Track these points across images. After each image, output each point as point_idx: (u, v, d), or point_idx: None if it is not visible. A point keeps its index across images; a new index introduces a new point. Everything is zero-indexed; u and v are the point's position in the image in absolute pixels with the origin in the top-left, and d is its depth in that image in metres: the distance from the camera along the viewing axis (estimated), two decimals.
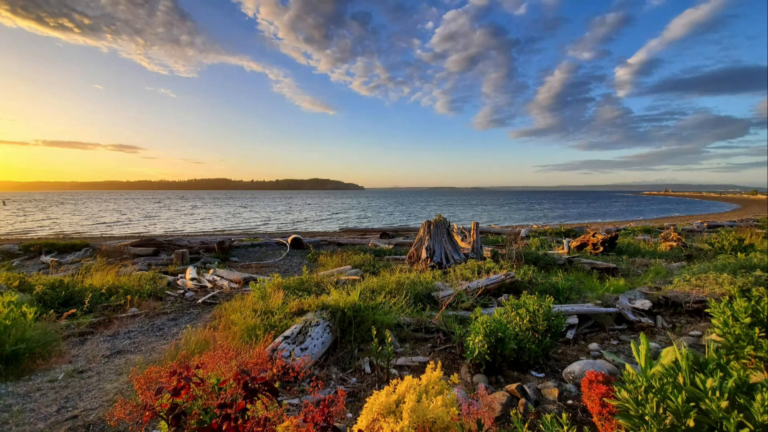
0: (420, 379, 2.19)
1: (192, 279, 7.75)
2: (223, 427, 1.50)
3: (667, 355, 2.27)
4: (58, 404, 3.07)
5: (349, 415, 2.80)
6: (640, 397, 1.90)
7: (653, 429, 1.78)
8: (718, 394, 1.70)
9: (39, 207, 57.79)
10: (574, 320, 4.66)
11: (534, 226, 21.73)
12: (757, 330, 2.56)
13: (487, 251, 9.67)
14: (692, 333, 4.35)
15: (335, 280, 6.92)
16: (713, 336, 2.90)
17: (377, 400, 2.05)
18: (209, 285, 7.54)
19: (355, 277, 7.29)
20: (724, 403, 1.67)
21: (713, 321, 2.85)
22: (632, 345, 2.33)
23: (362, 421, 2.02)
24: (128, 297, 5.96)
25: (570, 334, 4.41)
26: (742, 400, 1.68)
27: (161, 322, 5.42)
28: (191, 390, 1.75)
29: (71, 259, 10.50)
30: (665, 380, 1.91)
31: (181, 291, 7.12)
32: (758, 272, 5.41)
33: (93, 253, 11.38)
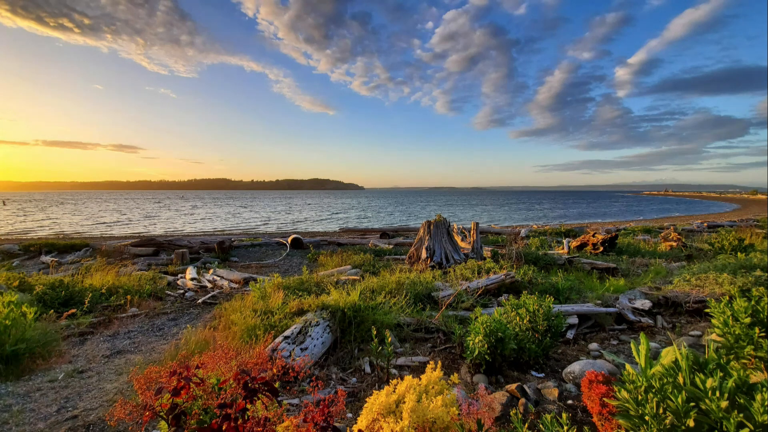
0: (420, 379, 2.19)
1: (192, 279, 7.75)
2: (223, 427, 1.50)
3: (667, 355, 2.27)
4: (58, 404, 3.07)
5: (349, 415, 2.80)
6: (640, 397, 1.90)
7: (653, 429, 1.78)
8: (718, 394, 1.70)
9: (39, 207, 57.79)
10: (574, 320, 4.66)
11: (534, 226, 21.73)
12: (757, 330, 2.56)
13: (487, 251, 9.67)
14: (692, 333, 4.35)
15: (335, 280, 6.92)
16: (713, 336, 2.90)
17: (377, 400, 2.05)
18: (209, 285, 7.54)
19: (355, 277, 7.29)
20: (724, 403, 1.67)
21: (713, 321, 2.85)
22: (632, 345, 2.33)
23: (362, 421, 2.02)
24: (128, 297, 5.96)
25: (570, 334, 4.41)
26: (742, 400, 1.68)
27: (161, 322, 5.42)
28: (191, 390, 1.75)
29: (71, 259, 10.50)
30: (665, 380, 1.91)
31: (181, 291, 7.12)
32: (758, 272, 5.41)
33: (93, 253, 11.38)
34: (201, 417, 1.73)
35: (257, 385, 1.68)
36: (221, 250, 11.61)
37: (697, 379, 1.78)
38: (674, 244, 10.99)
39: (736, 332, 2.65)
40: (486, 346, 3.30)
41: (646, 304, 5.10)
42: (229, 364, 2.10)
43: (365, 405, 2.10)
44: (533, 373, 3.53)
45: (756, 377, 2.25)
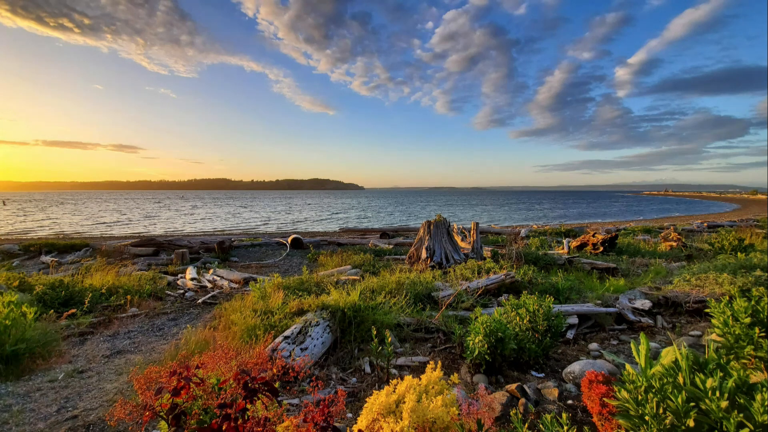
0: (420, 379, 2.19)
1: (192, 279, 7.75)
2: (223, 427, 1.50)
3: (667, 355, 2.27)
4: (58, 404, 3.07)
5: (349, 415, 2.80)
6: (640, 397, 1.90)
7: (653, 429, 1.78)
8: (718, 394, 1.70)
9: (39, 207, 57.79)
10: (574, 320, 4.66)
11: (534, 226, 21.73)
12: (757, 330, 2.56)
13: (487, 251, 9.67)
14: (692, 333, 4.35)
15: (335, 280, 6.92)
16: (713, 336, 2.90)
17: (377, 400, 2.05)
18: (209, 285, 7.54)
19: (355, 277, 7.29)
20: (724, 403, 1.67)
21: (713, 321, 2.85)
22: (632, 345, 2.33)
23: (362, 421, 2.02)
24: (128, 297, 5.96)
25: (570, 334, 4.41)
26: (742, 400, 1.68)
27: (161, 322, 5.42)
28: (191, 390, 1.75)
29: (71, 259, 10.50)
30: (665, 380, 1.91)
31: (181, 291, 7.12)
32: (758, 272, 5.41)
33: (93, 253, 11.38)
34: (201, 417, 1.73)
35: (257, 385, 1.68)
36: (221, 250, 11.61)
37: (697, 379, 1.78)
38: (674, 244, 10.99)
39: (736, 332, 2.65)
40: (486, 346, 3.30)
41: (646, 304, 5.10)
42: (229, 364, 2.10)
43: (365, 405, 2.10)
44: (533, 373, 3.53)
45: (756, 377, 2.25)
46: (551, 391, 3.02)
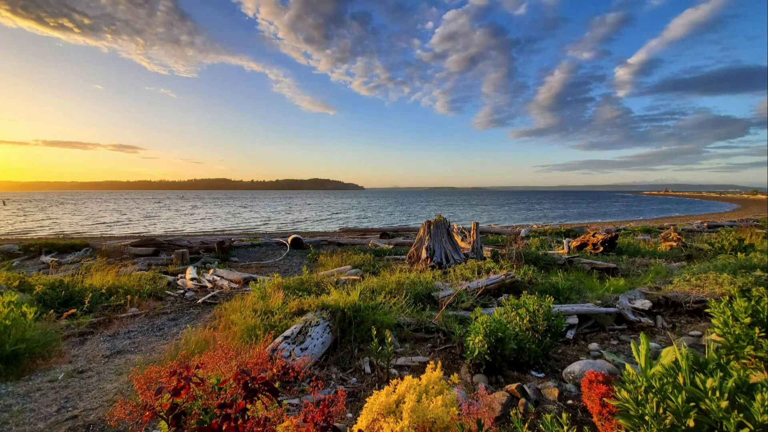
0: (420, 379, 2.19)
1: (192, 279, 7.75)
2: (223, 427, 1.50)
3: (667, 355, 2.27)
4: (58, 404, 3.07)
5: (349, 415, 2.80)
6: (640, 397, 1.90)
7: (653, 429, 1.78)
8: (718, 394, 1.70)
9: (39, 207, 57.79)
10: (574, 320, 4.66)
11: (534, 226, 21.73)
12: (757, 330, 2.56)
13: (487, 251, 9.67)
14: (692, 333, 4.35)
15: (335, 280, 6.92)
16: (713, 336, 2.90)
17: (377, 400, 2.05)
18: (209, 285, 7.54)
19: (355, 277, 7.29)
20: (724, 403, 1.67)
21: (713, 321, 2.85)
22: (632, 345, 2.33)
23: (362, 421, 2.02)
24: (128, 297, 5.96)
25: (570, 334, 4.41)
26: (742, 400, 1.68)
27: (161, 322, 5.42)
28: (191, 390, 1.75)
29: (71, 259, 10.50)
30: (665, 380, 1.91)
31: (181, 291, 7.12)
32: (758, 272, 5.41)
33: (93, 253, 11.38)
34: (201, 417, 1.73)
35: (257, 385, 1.68)
36: (221, 250, 11.61)
37: (697, 379, 1.78)
38: (674, 244, 10.99)
39: (736, 332, 2.65)
40: (486, 346, 3.30)
41: (646, 304, 5.10)
42: (229, 364, 2.10)
43: (365, 405, 2.10)
44: (533, 373, 3.53)
45: (756, 377, 2.25)
46: (551, 391, 3.02)
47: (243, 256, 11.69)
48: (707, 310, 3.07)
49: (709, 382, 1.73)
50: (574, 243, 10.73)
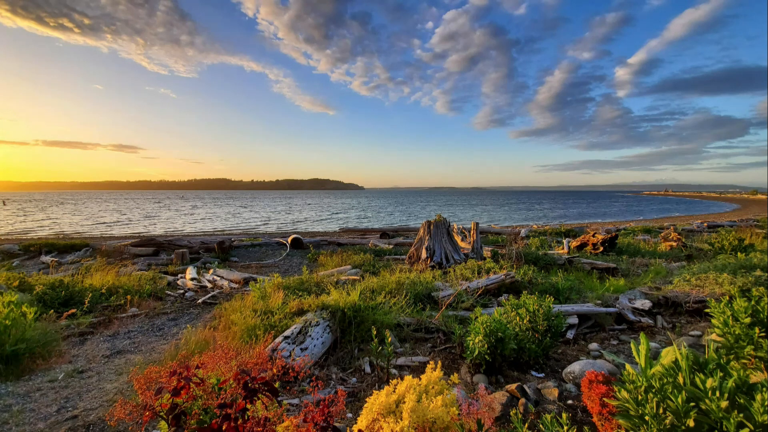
0: (420, 379, 2.19)
1: (192, 279, 7.75)
2: (223, 427, 1.50)
3: (667, 355, 2.27)
4: (58, 404, 3.07)
5: (349, 415, 2.80)
6: (640, 397, 1.90)
7: (653, 429, 1.78)
8: (718, 394, 1.70)
9: (39, 207, 57.79)
10: (574, 320, 4.66)
11: (534, 226, 21.73)
12: (757, 330, 2.56)
13: (487, 251, 9.67)
14: (692, 333, 4.35)
15: (335, 280, 6.92)
16: (713, 336, 2.90)
17: (377, 400, 2.05)
18: (209, 285, 7.54)
19: (355, 277, 7.29)
20: (724, 403, 1.67)
21: (713, 321, 2.85)
22: (632, 345, 2.33)
23: (362, 421, 2.02)
24: (128, 297, 5.96)
25: (570, 334, 4.41)
26: (742, 400, 1.68)
27: (161, 322, 5.42)
28: (191, 390, 1.75)
29: (71, 259, 10.50)
30: (665, 380, 1.91)
31: (181, 291, 7.12)
32: (758, 272, 5.41)
33: (93, 253, 11.38)
34: (201, 417, 1.73)
35: (257, 385, 1.68)
36: (221, 250, 11.61)
37: (697, 379, 1.78)
38: (674, 244, 10.99)
39: (736, 332, 2.65)
40: (486, 346, 3.30)
41: (646, 304, 5.10)
42: (229, 364, 2.10)
43: (365, 405, 2.10)
44: (533, 373, 3.53)
45: (756, 377, 2.25)
46: (551, 391, 3.02)
47: (243, 256, 11.69)
48: (707, 310, 3.07)
49: (709, 382, 1.73)
50: (574, 243, 10.73)
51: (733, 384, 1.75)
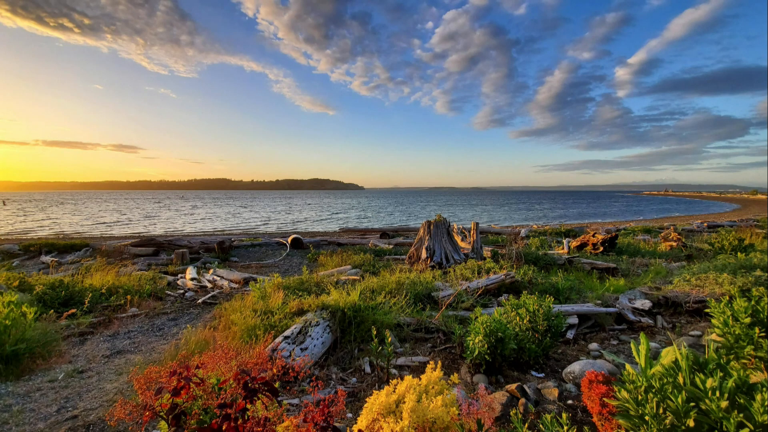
0: (420, 379, 2.19)
1: (192, 279, 7.75)
2: (223, 427, 1.50)
3: (667, 355, 2.27)
4: (58, 404, 3.07)
5: (349, 415, 2.80)
6: (640, 397, 1.90)
7: (653, 429, 1.78)
8: (718, 394, 1.70)
9: (39, 207, 57.79)
10: (574, 320, 4.66)
11: (534, 226, 21.73)
12: (757, 330, 2.56)
13: (487, 251, 9.66)
14: (692, 333, 4.35)
15: (335, 280, 6.92)
16: (713, 336, 2.90)
17: (377, 400, 2.05)
18: (209, 285, 7.54)
19: (355, 277, 7.29)
20: (724, 403, 1.67)
21: (713, 321, 2.85)
22: (632, 345, 2.33)
23: (362, 421, 2.02)
24: (128, 297, 5.96)
25: (570, 334, 4.41)
26: (742, 400, 1.68)
27: (161, 322, 5.42)
28: (191, 390, 1.75)
29: (71, 259, 10.50)
30: (665, 380, 1.91)
31: (181, 291, 7.12)
32: (758, 272, 5.41)
33: (93, 253, 11.38)
34: (201, 417, 1.73)
35: (257, 385, 1.68)
36: (221, 250, 11.61)
37: (697, 379, 1.78)
38: (674, 244, 10.99)
39: (736, 332, 2.65)
40: (486, 346, 3.30)
41: (646, 304, 5.10)
42: (229, 364, 2.10)
43: (365, 405, 2.10)
44: (533, 373, 3.53)
45: (756, 377, 2.25)
46: (551, 391, 3.02)
47: (243, 256, 11.69)
48: (707, 310, 3.07)
49: (709, 382, 1.73)
50: (574, 243, 10.73)
51: (733, 384, 1.75)
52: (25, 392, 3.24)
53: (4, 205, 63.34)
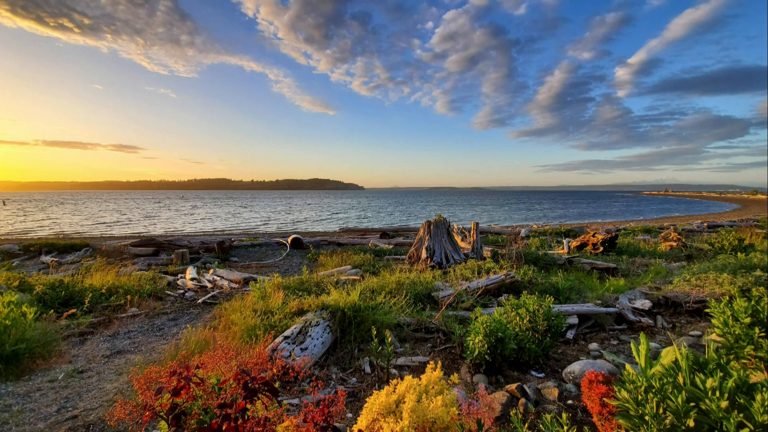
0: (420, 379, 2.19)
1: (192, 279, 7.75)
2: (223, 427, 1.50)
3: (667, 355, 2.27)
4: (58, 404, 3.07)
5: (349, 415, 2.80)
6: (640, 397, 1.90)
7: (653, 429, 1.78)
8: (718, 394, 1.70)
9: (39, 207, 57.79)
10: (574, 320, 4.66)
11: (534, 226, 21.73)
12: (757, 330, 2.56)
13: (487, 251, 9.66)
14: (692, 333, 4.35)
15: (335, 280, 6.92)
16: (713, 336, 2.90)
17: (377, 400, 2.05)
18: (209, 285, 7.54)
19: (355, 277, 7.29)
20: (724, 403, 1.67)
21: (713, 321, 2.85)
22: (632, 345, 2.33)
23: (362, 421, 2.02)
24: (128, 297, 5.96)
25: (570, 334, 4.41)
26: (742, 400, 1.68)
27: (161, 322, 5.42)
28: (191, 390, 1.75)
29: (71, 259, 10.50)
30: (665, 380, 1.91)
31: (181, 291, 7.12)
32: (758, 272, 5.41)
33: (93, 253, 11.38)
34: (201, 417, 1.73)
35: (257, 385, 1.68)
36: (221, 250, 11.61)
37: (697, 379, 1.78)
38: (674, 244, 10.99)
39: (736, 332, 2.65)
40: (486, 346, 3.30)
41: (646, 304, 5.10)
42: (229, 364, 2.10)
43: (365, 405, 2.10)
44: (533, 373, 3.53)
45: (756, 377, 2.25)
46: (551, 391, 3.02)
47: (243, 256, 11.69)
48: (707, 310, 3.07)
49: (709, 382, 1.73)
50: (574, 243, 10.73)
51: (733, 384, 1.75)
52: (25, 392, 3.24)
53: (4, 205, 63.34)
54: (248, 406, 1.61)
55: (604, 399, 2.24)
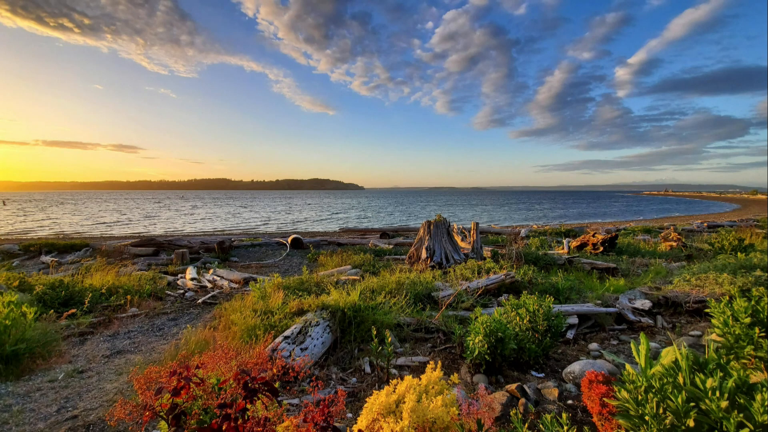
0: (420, 379, 2.19)
1: (192, 279, 7.75)
2: (223, 427, 1.50)
3: (667, 355, 2.27)
4: (58, 404, 3.07)
5: (349, 415, 2.80)
6: (640, 397, 1.90)
7: (653, 429, 1.78)
8: (718, 394, 1.70)
9: (39, 207, 57.79)
10: (574, 320, 4.66)
11: (534, 226, 21.73)
12: (757, 330, 2.56)
13: (487, 251, 9.66)
14: (692, 333, 4.35)
15: (335, 280, 6.92)
16: (713, 336, 2.90)
17: (377, 400, 2.05)
18: (209, 285, 7.54)
19: (355, 277, 7.29)
20: (724, 403, 1.67)
21: (713, 321, 2.85)
22: (632, 345, 2.33)
23: (362, 421, 2.02)
24: (128, 297, 5.96)
25: (570, 334, 4.41)
26: (742, 400, 1.68)
27: (161, 322, 5.42)
28: (191, 390, 1.75)
29: (71, 259, 10.50)
30: (665, 380, 1.91)
31: (181, 291, 7.12)
32: (758, 272, 5.41)
33: (93, 253, 11.38)
34: (201, 417, 1.73)
35: (257, 385, 1.68)
36: (221, 250, 11.61)
37: (697, 379, 1.78)
38: (674, 244, 10.99)
39: (736, 332, 2.65)
40: (486, 346, 3.30)
41: (646, 304, 5.10)
42: (229, 364, 2.10)
43: (365, 405, 2.10)
44: (533, 373, 3.53)
45: (756, 377, 2.25)
46: (551, 391, 3.02)
47: (243, 256, 11.69)
48: (707, 310, 3.07)
49: (709, 382, 1.73)
50: (574, 243, 10.73)
51: (733, 384, 1.75)
52: (25, 392, 3.24)
53: (4, 205, 63.34)
54: (248, 406, 1.61)
55: (604, 399, 2.24)
